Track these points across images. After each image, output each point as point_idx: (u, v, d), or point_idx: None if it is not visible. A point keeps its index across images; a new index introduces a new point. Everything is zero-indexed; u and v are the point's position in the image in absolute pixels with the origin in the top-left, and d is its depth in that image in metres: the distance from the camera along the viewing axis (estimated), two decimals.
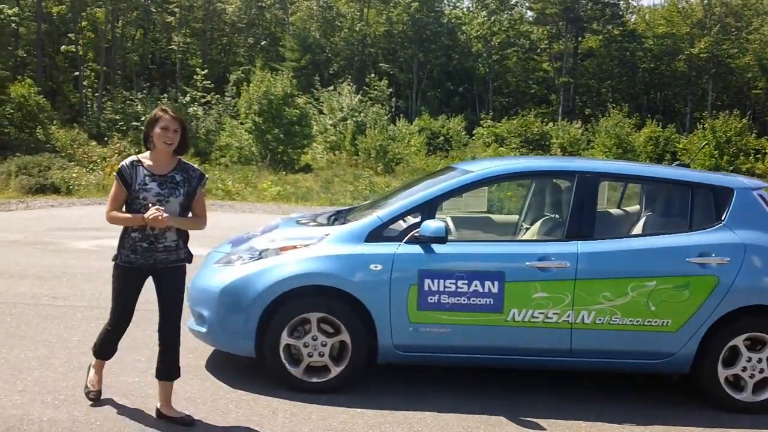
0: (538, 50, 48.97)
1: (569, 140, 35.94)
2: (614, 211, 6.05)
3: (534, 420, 4.62)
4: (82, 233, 11.52)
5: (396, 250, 4.86)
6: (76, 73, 39.05)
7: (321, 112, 34.55)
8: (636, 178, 5.42)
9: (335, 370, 4.89)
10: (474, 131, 38.20)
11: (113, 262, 4.38)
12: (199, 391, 4.85)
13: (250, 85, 30.24)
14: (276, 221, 5.93)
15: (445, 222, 4.83)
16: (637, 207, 6.04)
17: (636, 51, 46.70)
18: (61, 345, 5.69)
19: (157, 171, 4.23)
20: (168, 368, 4.38)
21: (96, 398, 4.54)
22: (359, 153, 30.52)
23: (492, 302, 4.81)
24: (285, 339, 4.87)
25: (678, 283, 4.81)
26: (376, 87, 39.84)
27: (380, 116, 33.38)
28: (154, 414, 4.42)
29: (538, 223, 5.93)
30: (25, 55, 40.11)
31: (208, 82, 35.44)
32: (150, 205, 4.12)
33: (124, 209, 4.26)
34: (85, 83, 39.22)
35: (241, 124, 30.47)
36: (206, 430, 4.25)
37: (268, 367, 4.97)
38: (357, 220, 5.38)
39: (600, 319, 4.82)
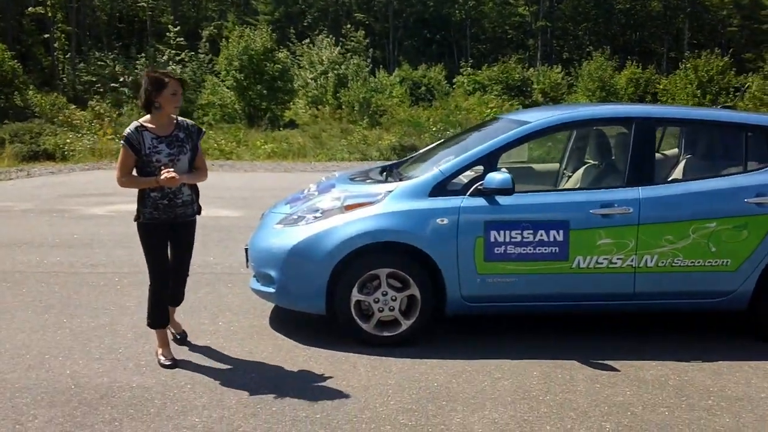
0: None
1: (550, 85, 36.04)
2: (657, 155, 6.14)
3: (604, 362, 4.77)
4: (93, 199, 11.44)
5: (461, 204, 4.93)
6: (46, 36, 38.10)
7: (300, 66, 34.15)
8: (692, 122, 5.49)
9: (405, 324, 4.99)
10: (454, 80, 38.05)
11: (136, 222, 4.64)
12: (274, 350, 4.93)
13: (229, 41, 29.77)
14: (330, 179, 5.96)
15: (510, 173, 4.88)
16: (675, 150, 6.14)
17: None
18: (119, 312, 5.73)
19: (161, 132, 4.49)
20: (178, 297, 4.96)
21: (173, 368, 4.63)
22: (342, 106, 30.33)
23: (557, 250, 4.92)
24: (355, 295, 4.95)
25: (737, 224, 4.95)
26: (352, 38, 39.40)
27: (361, 68, 33.09)
28: (228, 372, 4.50)
29: (581, 171, 6.02)
30: None
31: (181, 39, 34.76)
32: (163, 167, 4.40)
33: (134, 173, 4.54)
34: (56, 45, 38.30)
35: (222, 81, 30.07)
36: (293, 386, 4.33)
37: (339, 323, 5.05)
38: (412, 175, 5.45)
39: (662, 262, 4.95)
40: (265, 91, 28.22)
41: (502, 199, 4.91)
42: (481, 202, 4.93)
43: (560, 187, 6.14)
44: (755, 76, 32.20)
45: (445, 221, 4.89)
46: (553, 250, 4.92)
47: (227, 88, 29.58)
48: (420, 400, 4.18)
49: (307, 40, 36.98)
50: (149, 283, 4.70)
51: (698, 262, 4.98)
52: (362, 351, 4.92)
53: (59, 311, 5.71)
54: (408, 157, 6.57)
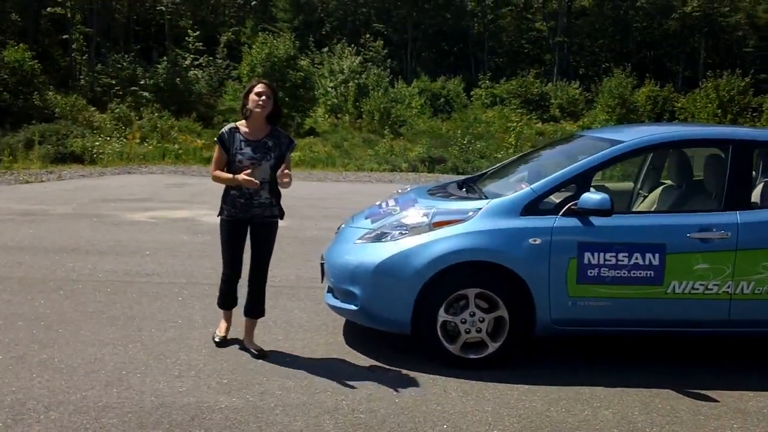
0: (532, 9, 48.54)
1: (568, 100, 35.94)
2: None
3: (702, 391, 4.60)
4: (130, 204, 11.30)
5: (554, 224, 4.77)
6: (64, 36, 38.02)
7: (320, 74, 34.10)
8: None
9: (492, 346, 4.83)
10: (472, 92, 37.96)
11: (218, 217, 5.03)
12: (357, 370, 4.78)
13: (252, 47, 29.74)
14: (406, 193, 5.81)
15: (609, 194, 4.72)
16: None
17: (629, 9, 46.48)
18: (188, 325, 5.57)
19: (251, 137, 4.81)
20: (254, 307, 5.05)
21: (221, 343, 5.11)
22: (363, 115, 30.25)
23: (652, 274, 4.76)
24: (442, 315, 4.80)
25: None
26: (371, 48, 39.38)
27: (382, 78, 33.07)
28: (317, 393, 4.34)
29: (658, 192, 5.87)
30: (18, 19, 38.99)
31: (200, 43, 34.70)
32: (244, 168, 4.72)
33: (225, 169, 4.87)
34: (74, 46, 38.24)
35: (244, 87, 29.98)
36: (389, 411, 4.17)
37: (423, 343, 4.89)
38: (492, 190, 5.31)
39: (759, 289, 4.79)
40: (287, 99, 28.11)
41: (596, 220, 4.76)
42: (574, 222, 4.78)
43: (636, 209, 5.98)
44: None
45: (538, 241, 4.74)
46: (649, 274, 4.76)
47: None
48: (524, 429, 4.02)
49: (326, 49, 36.96)
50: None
51: None
52: (448, 374, 4.75)
53: (125, 323, 5.55)
54: (483, 172, 6.42)
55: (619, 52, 45.93)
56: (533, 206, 4.85)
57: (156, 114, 24.43)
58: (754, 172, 5.88)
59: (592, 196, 4.71)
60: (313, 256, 8.01)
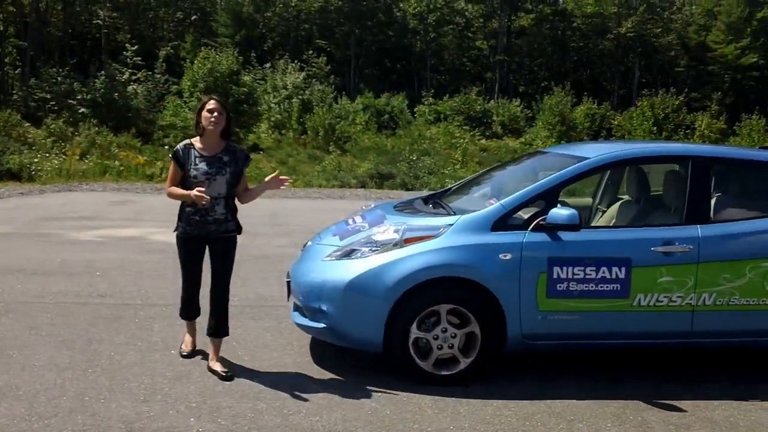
0: (473, 28, 49.24)
1: (509, 117, 36.51)
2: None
3: (670, 402, 4.67)
4: (76, 223, 10.97)
5: (524, 239, 4.80)
6: None
7: (263, 90, 33.85)
8: (744, 163, 5.48)
9: (464, 362, 4.82)
10: (416, 109, 38.21)
11: (174, 233, 5.03)
12: (329, 391, 4.69)
13: (194, 62, 29.36)
14: (372, 209, 5.78)
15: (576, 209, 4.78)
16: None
17: (566, 30, 47.62)
18: (148, 347, 5.41)
19: (206, 152, 4.83)
20: (218, 326, 4.98)
21: (188, 357, 5.15)
22: (307, 131, 30.10)
23: (619, 288, 4.83)
24: (414, 332, 4.77)
25: None
26: (314, 64, 39.29)
27: (326, 94, 33.01)
28: (290, 415, 4.26)
29: (616, 207, 5.99)
30: None
31: (138, 58, 34.03)
32: (198, 183, 4.72)
33: (180, 186, 4.87)
34: (6, 60, 37.11)
35: (186, 103, 29.58)
36: (368, 431, 4.11)
37: (395, 361, 4.85)
38: (458, 206, 5.33)
39: (720, 301, 4.91)
40: (230, 114, 27.77)
41: (564, 235, 4.81)
42: (543, 237, 4.82)
43: (595, 223, 6.07)
44: (704, 115, 33.28)
45: (509, 256, 4.76)
46: (615, 288, 4.83)
47: (190, 109, 29.08)
48: None
49: (269, 65, 36.73)
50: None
51: (753, 301, 4.95)
52: (420, 391, 4.72)
53: (82, 347, 5.35)
54: (448, 188, 6.43)
55: (557, 71, 46.95)
56: (503, 222, 4.88)
57: (94, 130, 23.83)
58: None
59: (560, 212, 4.76)
60: (269, 274, 7.93)
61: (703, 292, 4.88)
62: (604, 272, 4.80)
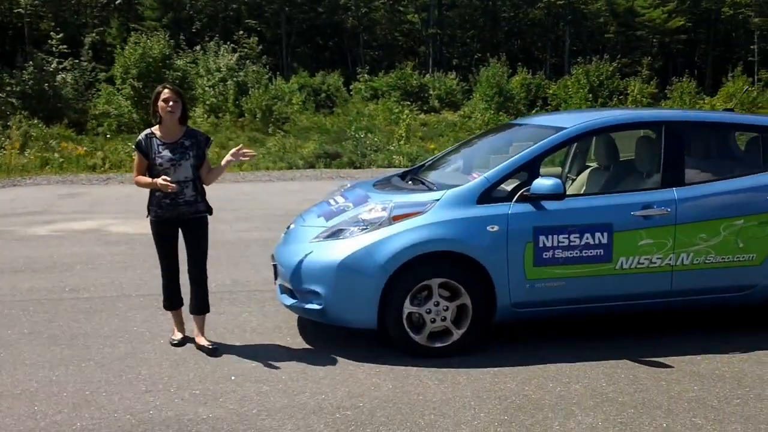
0: (404, 1, 49.20)
1: (446, 91, 36.73)
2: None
3: (654, 359, 4.89)
4: (29, 218, 10.66)
5: (509, 210, 4.93)
6: None
7: (197, 73, 33.18)
8: (715, 125, 5.71)
9: (457, 333, 4.94)
10: (351, 86, 38.09)
11: (147, 218, 5.16)
12: (329, 370, 4.75)
13: (125, 48, 28.57)
14: (351, 188, 5.82)
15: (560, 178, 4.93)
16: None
17: (496, 0, 48.05)
18: (137, 339, 5.37)
19: (167, 139, 4.98)
20: (199, 303, 5.19)
21: (179, 345, 5.17)
22: (244, 114, 29.72)
23: (602, 253, 5.00)
24: (408, 307, 4.86)
25: (762, 220, 5.21)
26: (245, 44, 38.67)
27: (261, 75, 32.58)
28: (296, 396, 4.31)
29: (585, 174, 6.18)
30: None
31: (65, 46, 32.93)
32: (164, 169, 4.90)
33: (147, 174, 5.03)
34: None
35: (119, 90, 28.82)
36: (374, 405, 4.19)
37: (390, 336, 4.94)
38: (436, 181, 5.43)
39: (697, 260, 5.14)
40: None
41: (548, 204, 4.95)
42: (528, 207, 4.95)
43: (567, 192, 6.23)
44: (635, 80, 34.10)
45: (496, 228, 4.88)
46: (599, 253, 5.00)
47: (123, 97, 28.36)
48: (508, 410, 4.14)
49: (198, 47, 35.98)
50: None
51: (728, 258, 5.20)
52: (416, 363, 4.82)
53: (69, 342, 5.28)
54: (422, 164, 6.51)
55: (489, 42, 47.44)
56: (488, 194, 4.99)
57: (26, 122, 23.04)
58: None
59: (544, 182, 4.89)
60: (239, 259, 7.91)
61: (681, 253, 5.10)
62: (587, 238, 4.97)
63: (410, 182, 5.74)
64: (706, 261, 5.16)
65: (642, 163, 5.61)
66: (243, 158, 5.15)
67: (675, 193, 5.14)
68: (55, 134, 23.02)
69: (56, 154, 18.25)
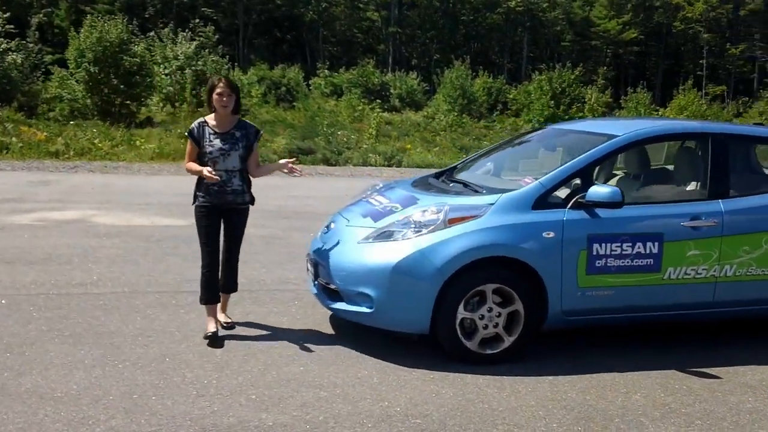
0: None
1: (406, 90, 36.70)
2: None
3: (700, 369, 4.91)
4: (4, 206, 10.15)
5: (564, 217, 4.87)
6: None
7: (153, 60, 32.33)
8: (755, 138, 5.77)
9: (508, 340, 4.86)
10: (311, 81, 37.74)
11: (193, 206, 5.25)
12: (381, 374, 4.62)
13: (81, 31, 27.63)
14: (393, 189, 5.68)
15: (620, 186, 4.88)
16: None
17: (456, 2, 48.29)
18: (168, 338, 5.14)
19: (219, 129, 5.13)
20: (230, 283, 5.37)
21: (212, 339, 5.06)
22: (203, 104, 29.12)
23: (652, 262, 4.99)
24: (461, 313, 4.76)
25: None
26: (201, 33, 37.90)
27: (220, 65, 31.97)
28: (359, 402, 4.17)
29: (614, 181, 6.17)
30: None
31: (12, 26, 31.69)
32: (213, 158, 5.06)
33: (197, 161, 5.16)
34: None
35: (72, 74, 27.86)
36: (443, 414, 4.08)
37: (441, 342, 4.83)
38: (492, 185, 5.36)
39: (740, 272, 5.18)
40: (121, 86, 26.42)
41: (602, 212, 4.91)
42: (583, 215, 4.90)
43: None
44: (592, 89, 34.67)
45: (552, 234, 4.82)
46: (648, 262, 4.99)
47: (77, 81, 27.43)
48: (578, 420, 4.08)
49: (152, 33, 35.09)
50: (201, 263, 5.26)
51: (767, 271, 5.24)
52: (469, 371, 4.72)
53: (95, 341, 5.00)
54: (453, 165, 6.41)
55: (448, 44, 47.62)
56: (543, 200, 4.93)
57: None
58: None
59: (601, 189, 4.85)
60: (246, 256, 7.64)
61: (725, 264, 5.13)
62: (639, 248, 4.95)
63: (451, 184, 5.63)
64: (748, 273, 5.20)
65: (685, 174, 5.62)
66: (291, 173, 5.33)
67: (721, 205, 5.16)
68: (5, 117, 22.14)
69: (14, 139, 17.53)
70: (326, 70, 38.14)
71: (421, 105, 35.03)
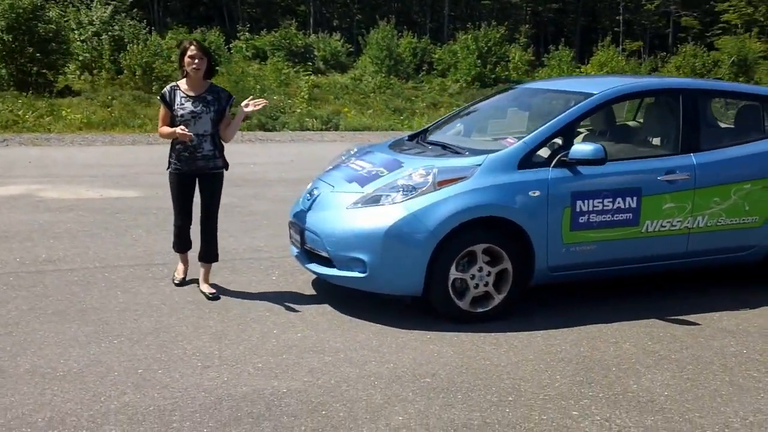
0: None
1: (330, 52, 36.30)
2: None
3: (678, 317, 5.15)
4: None
5: (549, 175, 4.99)
6: None
7: (68, 26, 30.93)
8: (725, 93, 6.01)
9: (498, 298, 4.98)
10: (231, 44, 36.87)
11: (167, 171, 5.38)
12: (381, 338, 4.67)
13: None
14: (372, 153, 5.68)
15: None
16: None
17: None
18: (156, 312, 5.06)
19: (191, 93, 5.19)
20: (210, 253, 5.46)
21: (180, 284, 5.53)
22: (123, 72, 28.11)
23: (631, 216, 5.18)
24: (453, 273, 4.84)
25: (765, 184, 5.55)
26: None
27: (138, 30, 30.89)
28: (369, 364, 4.23)
29: (580, 138, 6.34)
30: None
31: None
32: (185, 121, 5.11)
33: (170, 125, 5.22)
34: None
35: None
36: (449, 372, 4.17)
37: (434, 302, 4.92)
38: (471, 145, 5.45)
39: (710, 222, 5.43)
40: (37, 54, 25.24)
41: (584, 170, 5.05)
42: (566, 173, 5.03)
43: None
44: (515, 47, 35.08)
45: (537, 193, 4.93)
46: (628, 217, 5.17)
47: None
48: (579, 371, 4.24)
49: None
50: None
51: (735, 220, 5.52)
52: (462, 329, 4.83)
53: (81, 318, 4.88)
54: (425, 128, 6.45)
55: (368, 3, 47.21)
56: (527, 159, 5.03)
57: None
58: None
59: (585, 147, 4.98)
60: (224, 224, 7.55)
61: (697, 216, 5.37)
62: (619, 203, 5.13)
63: (430, 147, 5.68)
64: (718, 223, 5.46)
65: (657, 129, 5.82)
66: (256, 107, 5.26)
67: (693, 158, 5.38)
68: None
69: None
70: (247, 33, 37.26)
71: (346, 67, 34.77)
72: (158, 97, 5.43)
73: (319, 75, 33.46)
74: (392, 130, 19.04)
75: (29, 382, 3.89)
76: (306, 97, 21.16)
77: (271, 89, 25.11)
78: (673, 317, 5.15)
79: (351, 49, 37.18)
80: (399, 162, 5.27)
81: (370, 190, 5.03)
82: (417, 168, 5.03)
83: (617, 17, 49.03)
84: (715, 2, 48.62)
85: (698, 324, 5.06)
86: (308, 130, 17.53)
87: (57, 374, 4.01)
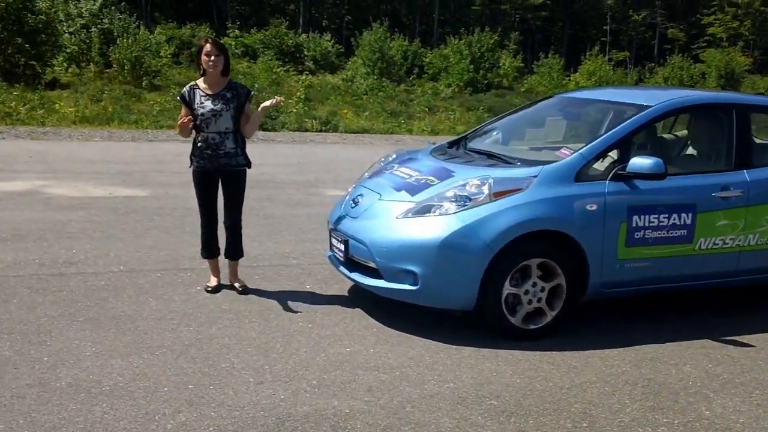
0: None
1: (321, 53, 36.02)
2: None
3: (733, 338, 5.02)
4: None
5: (605, 189, 4.84)
6: None
7: (57, 19, 30.39)
8: None
9: (550, 315, 4.82)
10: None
11: (190, 168, 5.32)
12: (436, 355, 4.48)
13: None
14: (419, 160, 5.49)
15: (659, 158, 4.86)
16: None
17: None
18: (194, 321, 4.84)
19: (210, 91, 5.15)
20: (236, 250, 5.47)
21: (213, 292, 5.36)
22: (112, 65, 27.66)
23: (685, 233, 5.04)
24: (507, 288, 4.67)
25: None
26: None
27: (128, 23, 30.43)
28: (417, 385, 4.04)
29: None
30: None
31: None
32: (206, 119, 5.08)
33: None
34: None
35: None
36: (515, 394, 4.00)
37: (486, 318, 4.74)
38: (521, 156, 5.28)
39: (761, 241, 5.31)
40: (26, 46, 24.75)
41: (641, 184, 4.89)
42: (623, 186, 4.88)
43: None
44: (505, 53, 35.05)
45: (594, 207, 4.77)
46: (682, 233, 5.03)
47: None
48: (647, 395, 4.09)
49: None
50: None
51: None
52: (515, 347, 4.65)
53: (115, 327, 4.64)
54: (463, 135, 6.27)
55: (356, 5, 46.96)
56: (584, 172, 4.87)
57: None
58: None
59: (644, 161, 4.82)
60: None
61: (749, 234, 5.24)
62: (674, 219, 4.98)
63: (475, 155, 5.50)
64: None
65: (709, 144, 5.68)
66: (274, 104, 5.30)
67: (747, 175, 5.25)
68: None
69: None
70: (237, 30, 36.87)
71: (337, 67, 34.51)
72: (178, 98, 5.42)
73: (309, 74, 33.22)
74: (392, 133, 18.85)
75: (75, 398, 3.66)
76: (302, 97, 20.86)
77: (263, 88, 24.85)
78: (726, 338, 5.01)
79: (341, 50, 36.92)
80: (449, 171, 5.08)
81: (421, 199, 4.84)
82: (471, 178, 4.84)
83: (604, 27, 49.26)
84: (701, 15, 49.05)
85: (753, 346, 4.92)
86: (307, 131, 17.28)
87: (102, 389, 3.78)
